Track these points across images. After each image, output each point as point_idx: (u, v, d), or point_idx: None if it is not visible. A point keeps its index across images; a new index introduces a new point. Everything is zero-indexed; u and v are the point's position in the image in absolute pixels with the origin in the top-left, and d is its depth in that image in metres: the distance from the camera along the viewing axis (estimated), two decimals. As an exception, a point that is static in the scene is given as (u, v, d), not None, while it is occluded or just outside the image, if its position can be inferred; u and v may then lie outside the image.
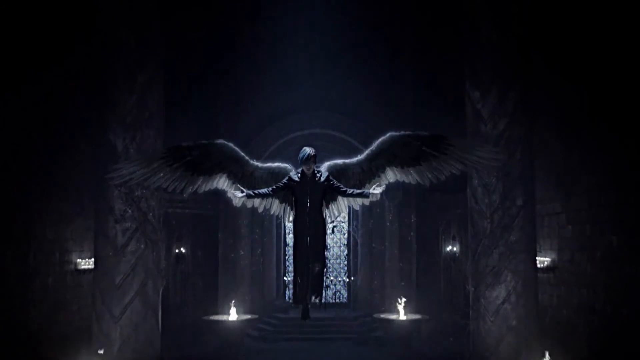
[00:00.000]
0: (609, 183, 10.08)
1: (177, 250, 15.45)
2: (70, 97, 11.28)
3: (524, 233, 10.41)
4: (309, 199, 6.13)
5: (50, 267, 11.36)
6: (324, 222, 6.34)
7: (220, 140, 6.34)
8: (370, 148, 6.33)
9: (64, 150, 11.42)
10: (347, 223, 17.86)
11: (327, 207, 6.57)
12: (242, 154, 6.37)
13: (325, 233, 6.37)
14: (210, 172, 6.47)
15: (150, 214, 10.27)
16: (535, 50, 11.09)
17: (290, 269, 17.46)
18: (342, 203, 6.73)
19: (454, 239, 15.46)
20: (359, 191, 6.31)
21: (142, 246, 10.19)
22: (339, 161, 6.47)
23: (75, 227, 11.90)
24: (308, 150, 6.10)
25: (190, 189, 6.52)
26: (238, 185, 6.23)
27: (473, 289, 10.66)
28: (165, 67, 10.94)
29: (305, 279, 6.14)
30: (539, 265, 11.33)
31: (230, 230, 16.30)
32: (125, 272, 10.08)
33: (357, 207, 6.90)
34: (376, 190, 6.24)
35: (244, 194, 6.16)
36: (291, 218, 6.48)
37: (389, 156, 6.37)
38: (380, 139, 6.29)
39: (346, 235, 17.91)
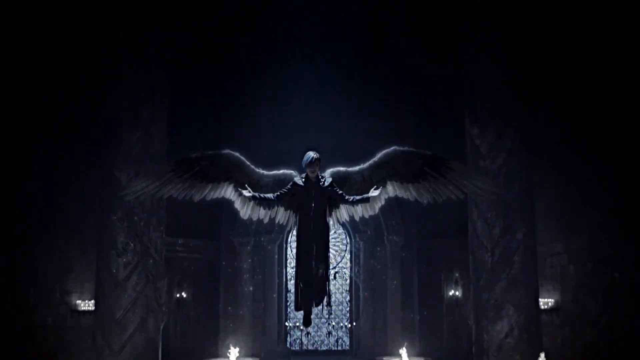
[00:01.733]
0: (609, 220, 10.10)
1: (178, 295, 15.36)
2: (75, 134, 11.38)
3: (525, 266, 10.39)
4: (313, 203, 6.18)
5: (51, 306, 11.32)
6: (327, 227, 6.39)
7: (226, 150, 6.55)
8: (374, 159, 6.47)
9: (68, 188, 11.49)
10: (348, 269, 17.76)
11: (330, 215, 6.62)
12: (248, 162, 6.54)
13: (328, 237, 6.42)
14: (218, 180, 6.67)
15: (152, 248, 10.30)
16: (535, 85, 11.24)
17: (292, 315, 17.29)
18: (345, 212, 6.79)
19: (456, 283, 15.36)
20: (359, 197, 6.37)
21: (144, 280, 10.18)
22: (341, 169, 6.58)
23: (77, 268, 11.89)
24: (312, 154, 6.19)
25: (199, 196, 6.71)
26: (246, 185, 6.33)
27: (475, 324, 10.56)
28: (169, 106, 11.13)
29: (308, 284, 6.14)
30: (542, 307, 11.24)
31: (232, 274, 16.23)
32: (126, 306, 10.06)
33: (357, 218, 6.92)
34: (374, 192, 6.32)
35: (251, 194, 6.25)
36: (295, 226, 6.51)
37: (390, 169, 6.51)
38: (384, 151, 6.44)
39: (348, 280, 17.78)
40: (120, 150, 10.47)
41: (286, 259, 17.54)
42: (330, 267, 6.65)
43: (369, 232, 16.72)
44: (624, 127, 9.56)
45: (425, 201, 6.62)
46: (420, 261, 16.31)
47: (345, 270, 17.79)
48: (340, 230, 17.49)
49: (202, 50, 13.66)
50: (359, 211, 6.72)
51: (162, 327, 10.71)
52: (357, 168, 6.57)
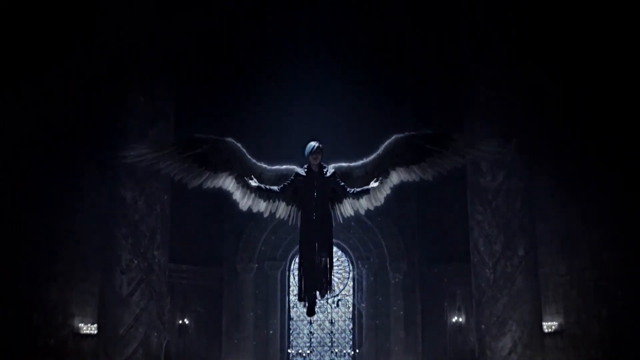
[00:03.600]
0: (611, 240, 10.11)
1: (180, 321, 15.28)
2: (81, 155, 11.42)
3: (527, 282, 10.38)
4: (316, 192, 6.20)
5: (53, 329, 11.28)
6: (330, 217, 6.40)
7: (229, 139, 6.53)
8: (377, 152, 6.47)
9: (74, 210, 11.51)
10: (351, 296, 17.71)
11: (333, 208, 6.63)
12: (249, 156, 6.54)
13: (331, 227, 6.40)
14: (217, 168, 6.62)
15: (156, 265, 10.32)
16: (534, 94, 11.31)
17: (294, 343, 17.20)
18: (349, 206, 6.76)
19: (459, 309, 15.27)
20: (359, 189, 6.38)
21: (147, 297, 10.19)
22: (344, 164, 6.59)
23: (80, 292, 11.87)
24: (314, 143, 6.24)
25: (196, 182, 6.63)
26: (252, 176, 6.34)
27: (478, 341, 10.50)
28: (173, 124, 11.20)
29: (311, 274, 6.15)
30: (546, 330, 11.17)
31: (234, 301, 16.21)
32: (129, 322, 10.04)
33: (362, 212, 6.87)
34: (374, 184, 6.33)
35: (256, 184, 6.27)
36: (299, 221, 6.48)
37: (394, 157, 6.50)
38: (386, 142, 6.44)
39: (351, 308, 17.71)
40: (126, 168, 10.51)
41: (289, 286, 17.51)
42: (335, 257, 6.57)
43: (371, 259, 16.74)
44: (627, 146, 9.63)
45: (430, 177, 6.57)
46: (423, 288, 16.26)
47: (348, 297, 17.74)
48: (343, 258, 17.50)
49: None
50: (364, 204, 6.70)
51: (164, 344, 10.67)
52: (359, 163, 6.55)
